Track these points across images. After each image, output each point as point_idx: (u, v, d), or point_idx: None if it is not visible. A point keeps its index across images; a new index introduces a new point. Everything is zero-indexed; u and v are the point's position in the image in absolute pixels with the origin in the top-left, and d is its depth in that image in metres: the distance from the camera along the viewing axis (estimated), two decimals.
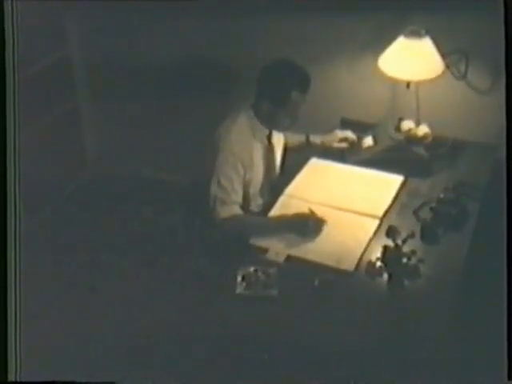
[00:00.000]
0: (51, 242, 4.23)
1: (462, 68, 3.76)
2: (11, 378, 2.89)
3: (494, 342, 2.82)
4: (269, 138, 3.42)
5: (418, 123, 3.72)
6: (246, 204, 3.38)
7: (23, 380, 2.91)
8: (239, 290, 2.89)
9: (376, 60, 3.69)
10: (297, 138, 3.69)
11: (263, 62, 3.27)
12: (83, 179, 4.89)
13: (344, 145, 3.71)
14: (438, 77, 3.63)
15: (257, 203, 3.48)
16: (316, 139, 3.71)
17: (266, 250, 3.09)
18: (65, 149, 4.64)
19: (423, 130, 3.66)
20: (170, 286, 3.77)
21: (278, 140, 3.53)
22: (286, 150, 3.62)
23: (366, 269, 2.98)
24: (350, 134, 3.71)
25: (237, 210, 3.27)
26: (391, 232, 3.06)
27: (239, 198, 3.30)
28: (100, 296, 3.82)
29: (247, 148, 3.33)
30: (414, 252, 2.95)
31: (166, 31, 4.19)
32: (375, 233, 3.18)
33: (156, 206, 4.53)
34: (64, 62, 4.59)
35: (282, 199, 3.43)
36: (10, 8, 2.94)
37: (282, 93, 3.23)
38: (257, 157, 3.38)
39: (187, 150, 3.75)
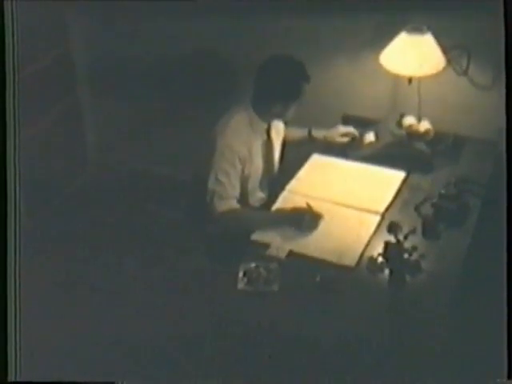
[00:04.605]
0: (51, 241, 4.22)
1: (464, 64, 3.76)
2: (11, 378, 2.89)
3: (494, 342, 2.81)
4: (268, 132, 3.43)
5: (419, 119, 3.72)
6: (245, 198, 3.40)
7: (23, 380, 2.90)
8: (241, 285, 2.89)
9: (378, 56, 3.70)
10: (299, 133, 3.69)
11: (262, 59, 3.28)
12: (83, 179, 4.89)
13: (346, 139, 3.70)
14: (440, 73, 3.64)
15: (257, 198, 3.49)
16: (318, 134, 3.70)
17: (267, 246, 3.08)
18: (65, 148, 4.63)
19: (425, 125, 3.67)
20: (171, 283, 3.77)
21: (278, 134, 3.53)
22: (285, 144, 3.63)
23: (367, 264, 2.98)
24: (352, 130, 3.71)
25: (234, 203, 3.27)
26: (393, 228, 3.04)
27: (237, 192, 3.30)
28: (100, 296, 3.81)
29: (245, 142, 3.33)
30: (415, 248, 2.94)
31: (165, 31, 4.19)
32: (377, 228, 3.18)
33: (157, 204, 4.53)
34: (64, 61, 4.59)
35: (283, 195, 3.43)
36: (9, 8, 2.94)
37: (280, 87, 3.24)
38: (255, 151, 3.39)
39: (188, 146, 3.76)
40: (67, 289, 3.84)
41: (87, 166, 4.95)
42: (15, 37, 2.96)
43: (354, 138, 3.70)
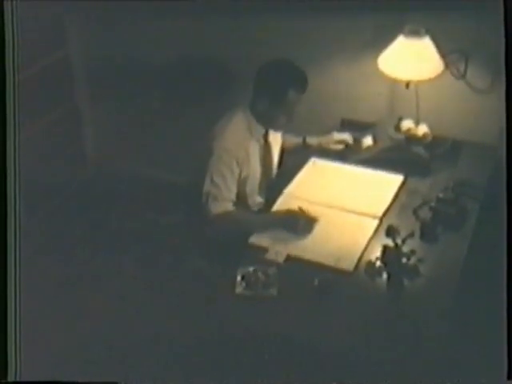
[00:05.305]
0: (51, 241, 4.23)
1: (462, 67, 3.75)
2: (11, 378, 2.89)
3: (494, 342, 2.82)
4: (265, 136, 3.43)
5: (417, 123, 3.72)
6: (243, 202, 3.40)
7: (23, 380, 2.91)
8: (239, 289, 2.89)
9: (375, 60, 3.69)
10: (294, 140, 3.70)
11: (261, 62, 3.28)
12: (83, 179, 4.89)
13: (341, 146, 3.71)
14: (438, 76, 3.63)
15: (255, 202, 3.50)
16: (313, 141, 3.71)
17: (265, 250, 3.09)
18: (65, 149, 4.64)
19: (423, 129, 3.67)
20: (170, 286, 3.78)
21: (275, 139, 3.53)
22: (283, 149, 3.63)
23: (365, 268, 2.98)
24: (347, 137, 3.72)
25: (229, 206, 3.28)
26: (391, 232, 3.05)
27: (232, 194, 3.31)
28: (100, 296, 3.82)
29: (243, 146, 3.34)
30: (413, 252, 2.94)
31: (165, 31, 4.19)
32: (375, 232, 3.18)
33: (156, 206, 4.53)
34: (64, 62, 4.59)
35: (281, 199, 3.43)
36: (9, 8, 2.94)
37: (279, 92, 3.24)
38: (253, 155, 3.39)
39: (187, 149, 3.75)
40: (67, 289, 3.85)
41: (87, 167, 4.95)
42: (15, 37, 2.96)
43: (348, 145, 3.71)
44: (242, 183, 3.36)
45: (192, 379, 2.93)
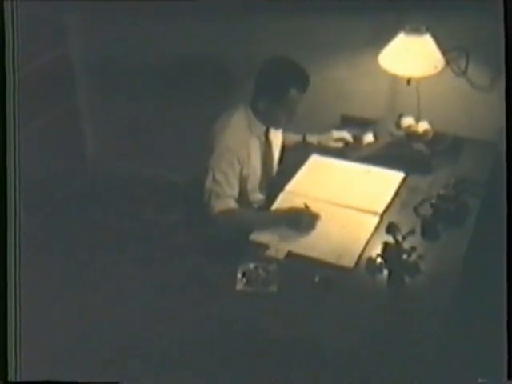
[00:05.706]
0: (51, 242, 4.24)
1: (463, 64, 3.75)
2: (11, 378, 2.89)
3: (494, 342, 2.81)
4: (266, 134, 3.42)
5: (418, 120, 3.72)
6: (244, 199, 3.39)
7: (23, 380, 2.90)
8: (239, 286, 2.89)
9: (376, 57, 3.68)
10: (294, 138, 3.69)
11: (262, 62, 3.27)
12: (83, 179, 4.90)
13: (340, 144, 3.70)
14: (439, 73, 3.62)
15: (256, 199, 3.49)
16: (312, 139, 3.70)
17: (266, 247, 3.08)
18: (64, 148, 4.65)
19: (423, 126, 3.66)
20: (170, 284, 3.78)
21: (276, 137, 3.53)
22: (284, 146, 3.62)
23: (366, 265, 2.97)
24: (346, 134, 3.71)
25: (231, 203, 3.26)
26: (391, 228, 3.04)
27: (234, 192, 3.30)
28: (100, 296, 3.82)
29: (244, 144, 3.33)
30: (414, 248, 2.93)
31: (165, 31, 4.19)
32: (375, 229, 3.17)
33: (156, 205, 4.54)
34: (64, 61, 4.61)
35: (282, 195, 3.42)
36: (9, 8, 2.93)
37: (279, 90, 3.23)
38: (254, 153, 3.39)
39: (187, 148, 3.76)
40: (67, 289, 3.86)
41: (87, 166, 4.96)
42: (15, 37, 2.95)
43: (347, 143, 3.70)
44: (243, 180, 3.36)
45: (192, 378, 2.93)
